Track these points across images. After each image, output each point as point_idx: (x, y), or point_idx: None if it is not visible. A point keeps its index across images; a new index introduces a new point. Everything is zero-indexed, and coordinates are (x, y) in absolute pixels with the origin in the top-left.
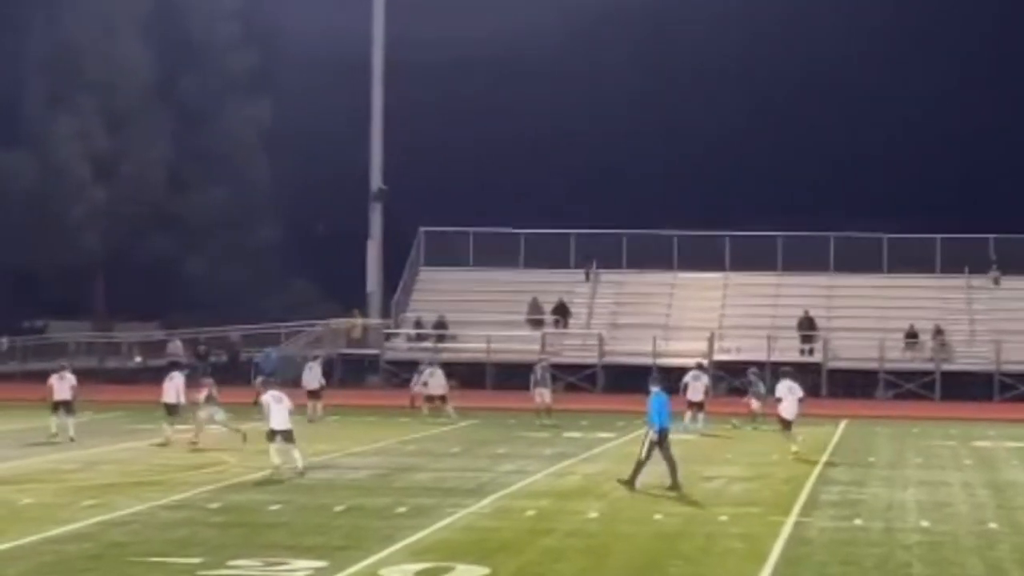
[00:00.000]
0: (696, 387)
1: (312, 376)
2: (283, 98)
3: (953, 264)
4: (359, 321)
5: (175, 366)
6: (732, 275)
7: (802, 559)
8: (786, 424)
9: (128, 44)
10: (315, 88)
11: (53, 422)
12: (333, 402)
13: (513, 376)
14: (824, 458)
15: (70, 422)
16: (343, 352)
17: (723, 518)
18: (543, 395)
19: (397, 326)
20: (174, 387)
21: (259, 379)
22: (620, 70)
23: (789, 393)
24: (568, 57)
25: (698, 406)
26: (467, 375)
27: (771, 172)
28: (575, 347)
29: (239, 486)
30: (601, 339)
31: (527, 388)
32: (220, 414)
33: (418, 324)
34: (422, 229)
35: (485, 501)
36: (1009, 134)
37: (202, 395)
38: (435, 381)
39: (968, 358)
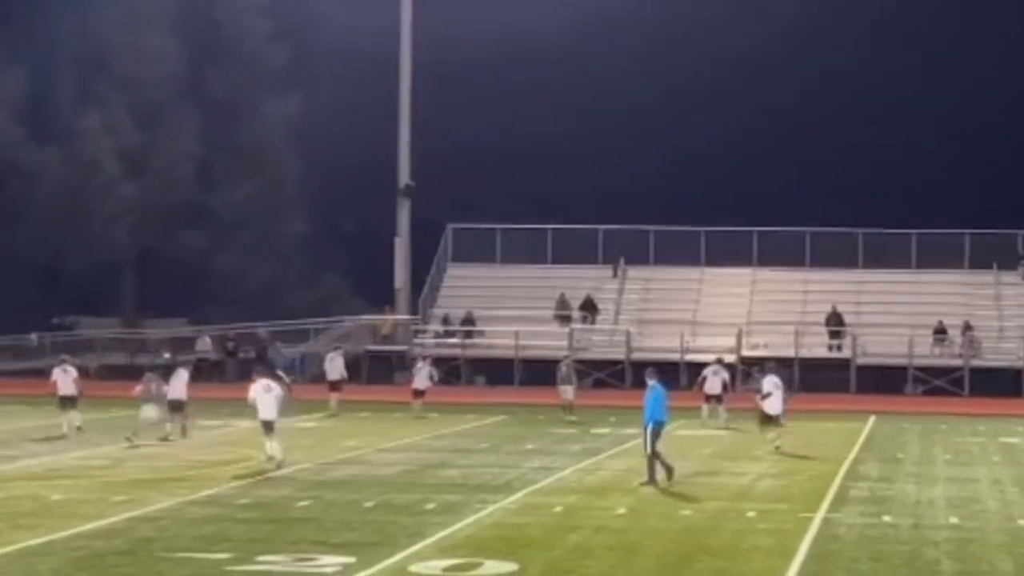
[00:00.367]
0: (714, 381)
1: (333, 367)
2: (312, 94)
3: (982, 260)
4: (390, 317)
5: (182, 364)
6: (760, 271)
7: (831, 555)
8: (769, 419)
9: (157, 39)
10: (344, 84)
11: (64, 419)
12: (362, 398)
13: (541, 372)
14: (853, 454)
15: (75, 415)
16: (371, 348)
17: (751, 514)
18: (567, 392)
19: (425, 322)
20: (180, 384)
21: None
22: (648, 65)
23: (775, 388)
24: (595, 52)
25: (716, 399)
26: (495, 371)
27: (800, 167)
28: (603, 343)
29: (268, 482)
30: (629, 335)
31: (555, 384)
32: (156, 411)
33: (446, 320)
34: (450, 225)
35: (513, 497)
36: None
37: (137, 390)
38: (333, 367)
39: (997, 354)
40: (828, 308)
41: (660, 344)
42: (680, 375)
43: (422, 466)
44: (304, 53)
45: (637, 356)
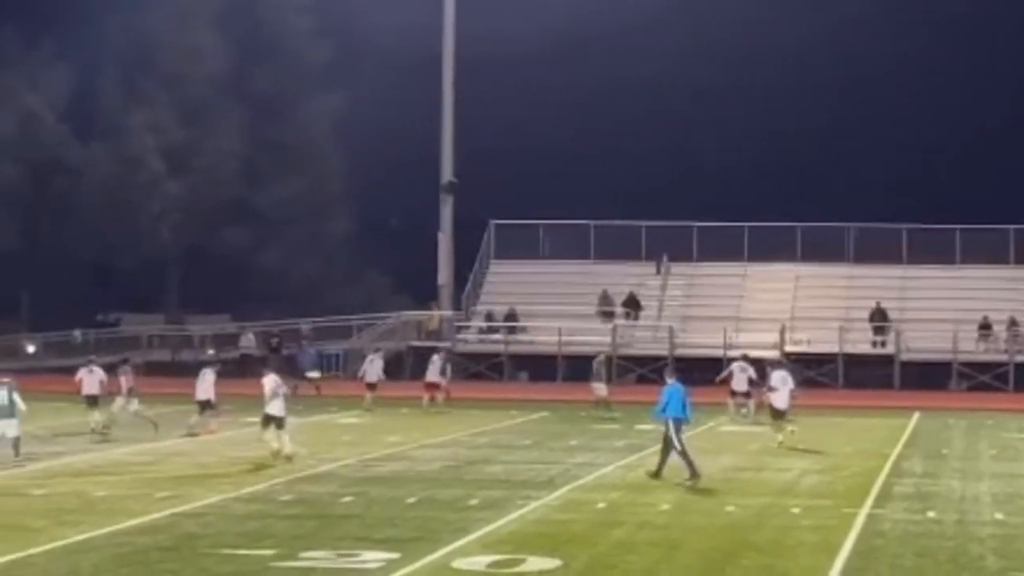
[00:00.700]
0: (741, 378)
1: (373, 369)
2: (356, 91)
3: None
4: (436, 313)
5: (208, 364)
6: (804, 266)
7: (875, 551)
8: (777, 413)
9: (202, 37)
10: (387, 81)
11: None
12: (405, 394)
13: (583, 368)
14: (897, 450)
15: (97, 415)
16: (414, 345)
17: (795, 510)
18: (600, 389)
19: (468, 319)
20: (206, 385)
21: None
22: (692, 62)
23: (782, 383)
24: (638, 49)
25: (744, 396)
26: (537, 367)
27: (844, 163)
28: (646, 339)
29: (311, 478)
30: (672, 331)
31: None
32: (135, 404)
33: (489, 317)
34: (492, 222)
35: (556, 493)
36: None
37: (122, 384)
38: (372, 369)
39: None
40: (872, 304)
41: (703, 340)
42: (723, 371)
43: (465, 462)
44: (347, 50)
45: (681, 352)
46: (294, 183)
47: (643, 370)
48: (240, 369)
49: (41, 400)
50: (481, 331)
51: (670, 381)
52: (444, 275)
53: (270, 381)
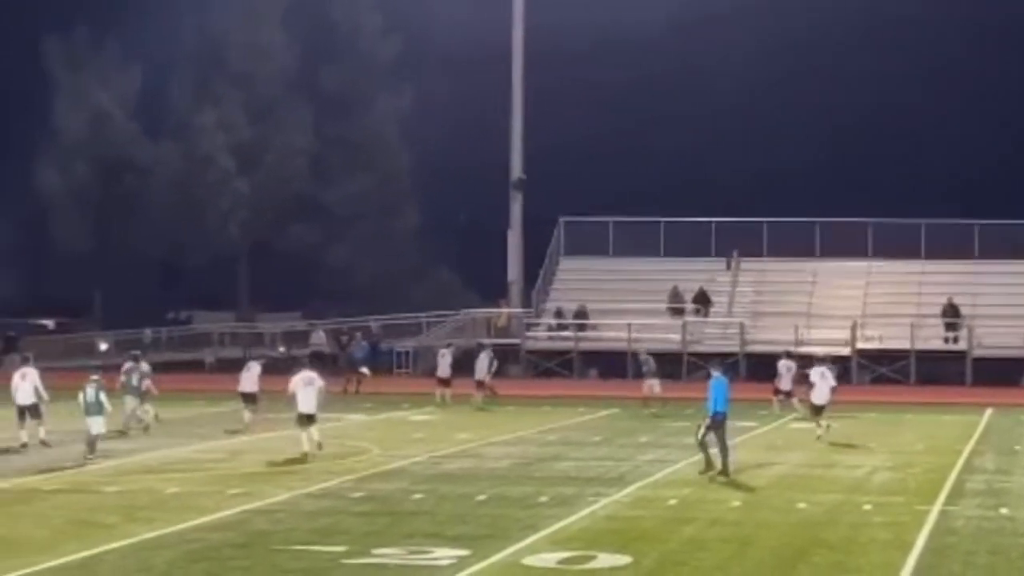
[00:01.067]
0: (787, 378)
1: (444, 364)
2: (424, 87)
3: None
4: (506, 310)
5: (253, 357)
6: (875, 263)
7: (948, 548)
8: (816, 409)
9: (271, 34)
10: (456, 77)
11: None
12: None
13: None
14: (969, 447)
15: (146, 409)
16: (484, 342)
17: (867, 507)
18: (654, 386)
19: (537, 316)
20: (251, 377)
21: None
22: (760, 54)
23: (821, 379)
24: (708, 42)
25: (787, 395)
26: (607, 364)
27: (915, 158)
28: (716, 336)
29: (382, 475)
30: (742, 328)
31: (668, 377)
32: (133, 401)
33: (558, 314)
34: (562, 218)
35: (627, 490)
36: None
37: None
38: (444, 364)
39: None
40: (944, 300)
41: (773, 337)
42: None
43: (534, 459)
44: (416, 47)
45: (751, 349)
46: (362, 180)
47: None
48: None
49: (113, 397)
50: (550, 328)
51: (715, 374)
52: (513, 272)
53: (297, 379)
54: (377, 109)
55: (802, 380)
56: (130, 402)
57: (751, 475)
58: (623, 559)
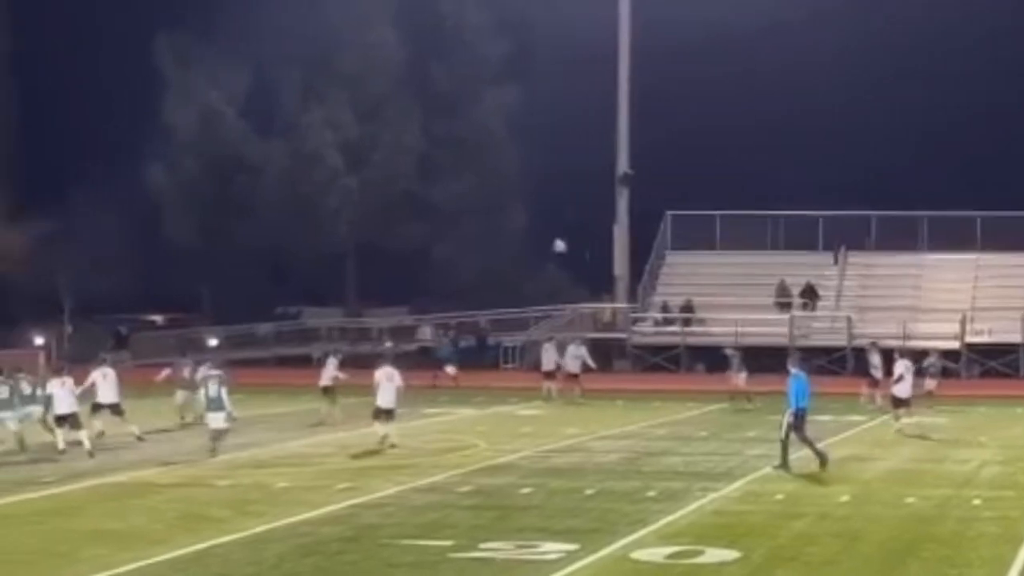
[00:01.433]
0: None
1: (548, 358)
2: (531, 84)
3: None
4: (611, 305)
5: (329, 352)
6: (984, 255)
7: None
8: (899, 403)
9: (380, 32)
10: (563, 73)
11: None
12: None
13: (761, 360)
14: None
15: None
16: (591, 336)
17: (976, 502)
18: (741, 380)
19: (644, 310)
20: (328, 372)
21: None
22: (868, 49)
23: (907, 372)
24: (815, 36)
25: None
26: (714, 359)
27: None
28: (824, 330)
29: (490, 469)
30: (850, 321)
31: (774, 371)
32: (185, 397)
33: (665, 308)
34: (669, 213)
35: (735, 485)
36: None
37: (163, 375)
38: (548, 358)
39: None
40: None
41: (881, 331)
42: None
43: (642, 453)
44: (523, 44)
45: (859, 343)
46: (470, 177)
47: (821, 361)
48: (418, 361)
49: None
50: (657, 323)
51: (793, 370)
52: (620, 267)
53: (380, 374)
54: (484, 106)
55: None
56: (185, 396)
57: (859, 469)
58: (731, 554)
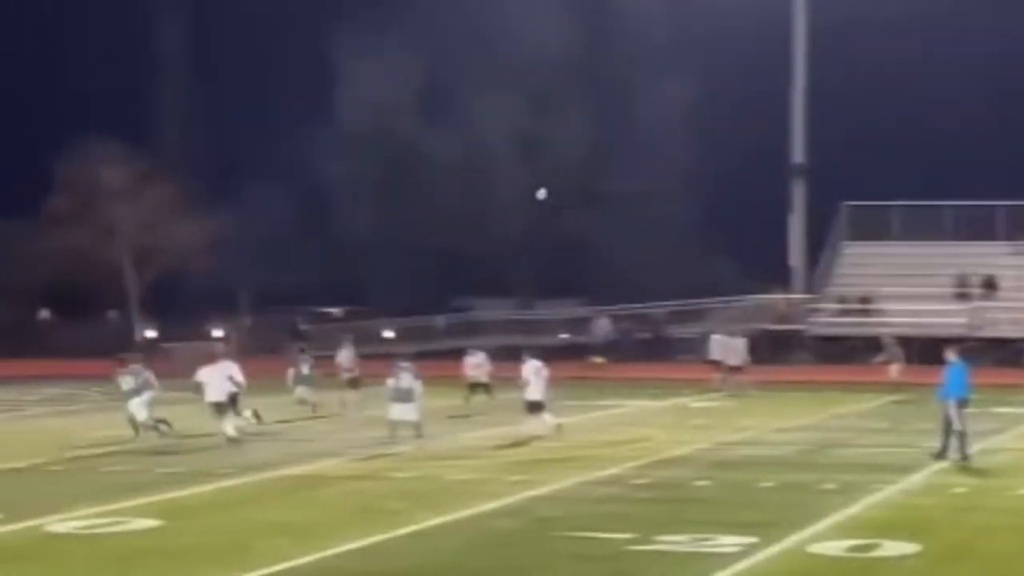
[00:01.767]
0: None
1: (716, 349)
2: (704, 73)
3: None
4: (787, 296)
5: (477, 346)
6: None
7: None
8: None
9: (552, 22)
10: (736, 61)
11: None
12: (757, 378)
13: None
14: None
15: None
16: (767, 328)
17: None
18: (895, 371)
19: (820, 302)
20: (474, 364)
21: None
22: None
23: None
24: (994, 20)
25: None
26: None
27: None
28: (1003, 321)
29: (665, 462)
30: None
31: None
32: (304, 390)
33: (842, 299)
34: (845, 204)
35: (914, 477)
36: None
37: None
38: (737, 352)
39: None
40: None
41: None
42: None
43: (819, 446)
44: (697, 32)
45: None
46: (643, 167)
47: (1001, 353)
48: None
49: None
50: (833, 314)
51: (952, 360)
52: (795, 258)
53: (528, 367)
54: (658, 96)
55: None
56: (307, 392)
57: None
58: (911, 547)
